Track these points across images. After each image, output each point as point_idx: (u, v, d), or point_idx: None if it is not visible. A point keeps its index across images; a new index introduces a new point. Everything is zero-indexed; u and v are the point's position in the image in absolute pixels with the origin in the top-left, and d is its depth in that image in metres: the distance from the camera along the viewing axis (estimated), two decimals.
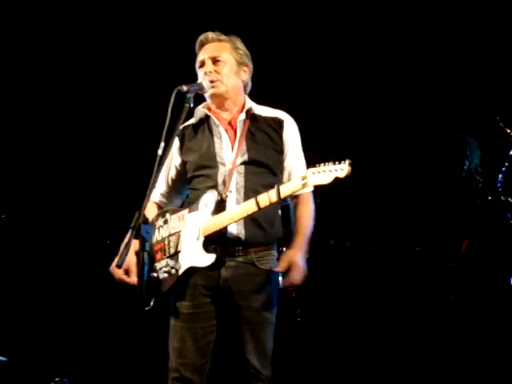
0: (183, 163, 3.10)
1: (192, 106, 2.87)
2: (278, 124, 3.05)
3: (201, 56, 3.07)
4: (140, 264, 2.48)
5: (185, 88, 2.81)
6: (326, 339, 4.88)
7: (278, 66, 5.18)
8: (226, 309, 2.92)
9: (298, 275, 2.92)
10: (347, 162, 2.59)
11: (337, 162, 2.62)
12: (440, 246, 4.07)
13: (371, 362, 4.68)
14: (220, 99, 3.05)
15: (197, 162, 3.02)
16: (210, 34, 3.09)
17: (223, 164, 2.97)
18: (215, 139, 3.02)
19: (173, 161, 3.12)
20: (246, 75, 3.10)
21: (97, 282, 4.94)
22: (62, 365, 4.75)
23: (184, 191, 3.19)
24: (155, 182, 2.65)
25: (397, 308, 4.56)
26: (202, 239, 2.86)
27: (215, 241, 2.87)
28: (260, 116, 3.06)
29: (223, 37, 3.10)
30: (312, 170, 2.67)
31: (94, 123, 5.49)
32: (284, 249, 4.79)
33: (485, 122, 4.66)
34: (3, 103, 5.35)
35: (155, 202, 3.19)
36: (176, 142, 3.08)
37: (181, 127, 3.08)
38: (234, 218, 2.81)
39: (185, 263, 2.89)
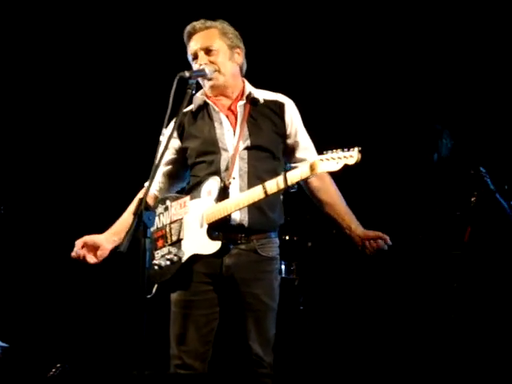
0: (183, 150, 3.06)
1: (194, 92, 2.86)
2: (279, 107, 3.03)
3: (192, 47, 3.03)
4: (141, 251, 2.49)
5: (187, 74, 2.80)
6: (328, 327, 4.88)
7: (278, 53, 5.17)
8: (229, 296, 2.92)
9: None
10: (356, 149, 2.57)
11: (345, 149, 2.60)
12: (442, 234, 4.07)
13: (373, 349, 4.68)
14: (220, 89, 3.02)
15: (198, 149, 2.99)
16: (197, 24, 3.03)
17: (225, 150, 2.95)
18: (216, 125, 3.00)
19: (173, 147, 3.07)
20: (240, 57, 3.07)
21: (98, 269, 4.94)
22: (63, 351, 4.76)
23: (183, 178, 3.16)
24: (157, 169, 2.63)
25: (399, 296, 4.56)
26: (205, 226, 2.85)
27: (219, 228, 2.86)
28: (260, 100, 3.04)
29: (209, 23, 3.04)
30: (320, 156, 2.66)
31: (93, 112, 5.46)
32: (287, 237, 4.84)
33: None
34: None
35: (154, 193, 3.14)
36: (174, 129, 3.00)
37: (183, 108, 3.04)
38: (240, 205, 2.81)
39: (188, 251, 2.88)
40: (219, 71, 2.98)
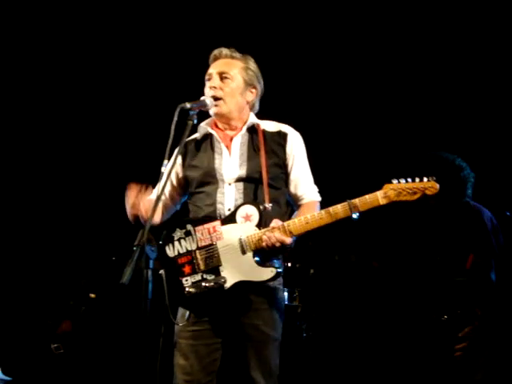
0: (184, 178, 3.08)
1: (195, 122, 2.87)
2: (282, 138, 3.02)
3: (210, 69, 3.05)
4: (144, 282, 2.49)
5: (188, 105, 2.82)
6: (331, 354, 4.85)
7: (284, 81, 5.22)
8: (230, 326, 2.90)
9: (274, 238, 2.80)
10: (432, 179, 2.72)
11: (417, 179, 2.72)
12: (445, 261, 4.05)
13: (377, 375, 4.65)
14: (223, 119, 3.04)
15: (198, 179, 3.00)
16: (224, 50, 3.07)
17: (223, 180, 2.95)
18: (216, 155, 3.01)
19: (174, 174, 3.09)
20: (252, 96, 3.07)
21: (104, 298, 4.94)
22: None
23: (179, 203, 3.16)
24: (159, 199, 2.64)
25: (402, 323, 4.54)
26: (250, 253, 2.82)
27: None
28: (263, 131, 3.03)
29: (237, 54, 3.07)
30: (391, 186, 2.74)
31: (100, 142, 5.52)
32: (289, 264, 4.83)
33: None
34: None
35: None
36: (179, 157, 3.02)
37: (184, 139, 3.01)
38: (296, 232, 2.80)
39: (231, 277, 2.83)
40: (224, 100, 2.98)
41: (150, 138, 4.92)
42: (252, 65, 3.08)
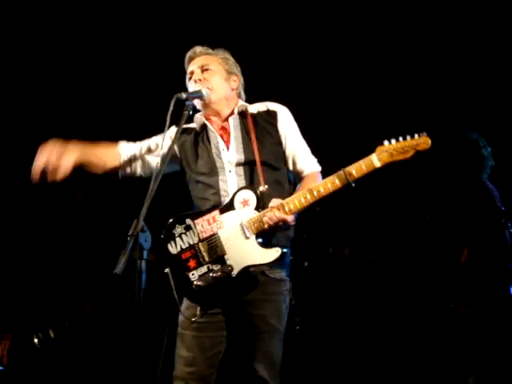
0: (181, 168, 3.11)
1: (191, 113, 2.88)
2: (272, 116, 3.06)
3: (190, 68, 3.10)
4: (138, 272, 2.48)
5: (184, 95, 2.84)
6: (324, 348, 4.85)
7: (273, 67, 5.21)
8: (236, 318, 2.90)
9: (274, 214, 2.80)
10: (423, 134, 2.66)
11: (408, 137, 2.66)
12: (440, 255, 4.05)
13: (370, 370, 4.65)
14: (212, 107, 3.05)
15: (198, 170, 3.03)
16: (198, 48, 3.13)
17: (223, 168, 2.97)
18: (212, 146, 3.03)
19: (162, 150, 2.98)
20: (236, 84, 3.13)
21: (97, 289, 4.92)
22: (59, 375, 4.72)
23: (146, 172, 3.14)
24: (153, 190, 2.63)
25: (396, 317, 4.54)
26: (253, 236, 2.82)
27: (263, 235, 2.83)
28: (253, 113, 3.07)
29: (210, 50, 3.13)
30: (383, 147, 2.71)
31: (92, 131, 5.48)
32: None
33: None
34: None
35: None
36: (175, 146, 3.04)
37: (180, 129, 3.00)
38: (293, 210, 2.80)
39: (238, 264, 2.83)
40: (212, 89, 3.02)
41: (145, 129, 4.90)
42: (228, 56, 3.15)
